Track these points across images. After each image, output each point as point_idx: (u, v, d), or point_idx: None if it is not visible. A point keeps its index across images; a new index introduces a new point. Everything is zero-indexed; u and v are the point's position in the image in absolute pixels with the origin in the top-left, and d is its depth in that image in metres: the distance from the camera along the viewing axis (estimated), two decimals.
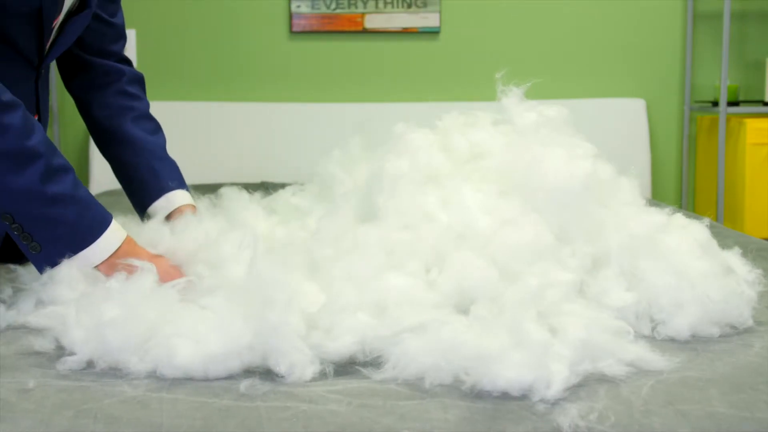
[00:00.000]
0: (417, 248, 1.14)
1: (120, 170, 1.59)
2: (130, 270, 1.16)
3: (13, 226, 1.17)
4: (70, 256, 1.18)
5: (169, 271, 1.22)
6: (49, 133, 3.33)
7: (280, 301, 0.97)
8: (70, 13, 1.40)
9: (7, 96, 1.17)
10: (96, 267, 1.21)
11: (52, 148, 1.19)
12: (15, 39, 1.32)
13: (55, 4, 1.33)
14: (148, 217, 1.49)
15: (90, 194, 1.23)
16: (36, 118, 1.44)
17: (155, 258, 1.24)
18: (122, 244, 1.22)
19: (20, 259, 1.44)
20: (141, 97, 1.62)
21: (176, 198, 1.53)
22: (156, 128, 1.61)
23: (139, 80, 1.63)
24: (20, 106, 1.18)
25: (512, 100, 1.29)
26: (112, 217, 1.23)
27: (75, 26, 1.42)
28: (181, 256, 1.28)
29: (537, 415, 0.84)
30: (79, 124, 3.42)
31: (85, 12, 1.41)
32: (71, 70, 1.59)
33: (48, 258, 1.18)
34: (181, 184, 1.55)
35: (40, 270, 1.20)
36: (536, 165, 1.18)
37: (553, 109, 1.28)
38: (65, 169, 1.19)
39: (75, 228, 1.18)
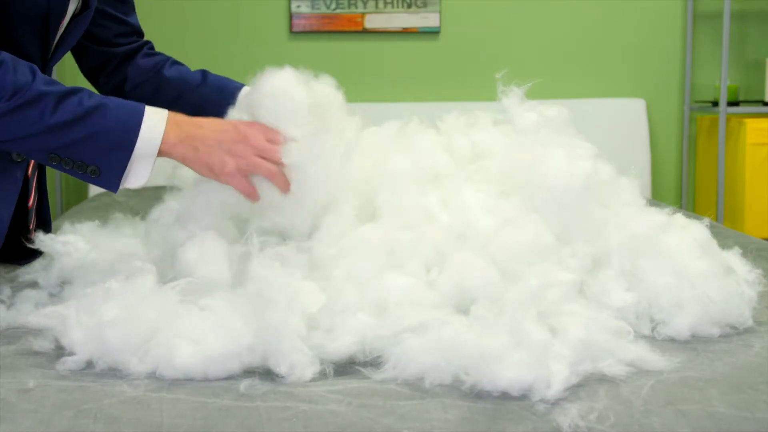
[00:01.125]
0: (417, 248, 1.14)
1: (183, 113, 1.61)
2: (201, 139, 1.14)
3: (64, 161, 1.16)
4: (126, 161, 1.15)
5: (259, 130, 1.16)
6: None
7: (280, 302, 0.97)
8: (73, 15, 1.40)
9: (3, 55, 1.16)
10: (162, 153, 1.17)
11: (53, 82, 1.17)
12: (19, 42, 1.32)
13: (62, 7, 1.33)
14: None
15: (112, 98, 1.20)
16: None
17: (226, 122, 1.19)
18: (168, 118, 1.18)
19: (20, 260, 1.44)
20: (163, 53, 1.65)
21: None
22: (188, 68, 1.63)
23: (150, 45, 1.66)
24: (5, 62, 1.16)
25: (513, 100, 1.29)
26: (144, 106, 1.19)
27: (77, 28, 1.42)
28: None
29: (537, 415, 0.84)
30: None
31: (86, 13, 1.42)
32: (97, 71, 1.60)
33: (111, 173, 1.16)
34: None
35: (114, 188, 1.17)
36: (537, 165, 1.18)
37: (554, 110, 1.28)
38: (73, 91, 1.17)
39: (113, 133, 1.15)
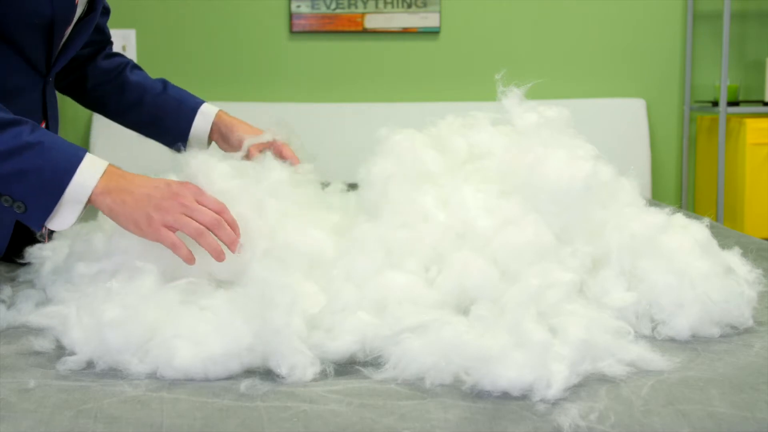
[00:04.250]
0: (416, 247, 1.14)
1: (141, 119, 1.61)
2: (130, 193, 1.12)
3: None
4: (54, 204, 1.13)
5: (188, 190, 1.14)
6: None
7: (281, 303, 0.97)
8: (78, 19, 1.40)
9: None
10: (91, 201, 1.14)
11: None
12: (24, 48, 1.31)
13: (69, 14, 1.33)
14: (192, 144, 1.52)
15: (55, 136, 1.16)
16: (43, 125, 1.44)
17: (158, 180, 1.17)
18: (106, 169, 1.15)
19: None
20: (123, 54, 1.66)
21: (208, 109, 1.57)
22: (147, 74, 1.65)
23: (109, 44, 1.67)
24: None
25: (512, 100, 1.29)
26: (86, 152, 1.16)
27: (82, 32, 1.42)
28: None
29: (537, 415, 0.84)
30: (79, 124, 3.43)
31: (92, 15, 1.42)
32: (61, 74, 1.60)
33: (36, 212, 1.13)
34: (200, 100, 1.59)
35: (37, 226, 1.15)
36: (537, 166, 1.18)
37: (554, 110, 1.28)
38: (14, 122, 1.14)
39: (46, 172, 1.12)
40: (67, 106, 3.33)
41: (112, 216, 1.15)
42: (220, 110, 1.57)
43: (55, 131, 1.48)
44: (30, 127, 1.14)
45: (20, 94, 1.26)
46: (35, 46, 1.33)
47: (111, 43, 1.66)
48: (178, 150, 1.31)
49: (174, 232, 1.12)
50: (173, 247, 1.11)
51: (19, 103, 1.30)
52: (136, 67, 1.64)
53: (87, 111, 3.35)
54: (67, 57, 1.43)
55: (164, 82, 1.61)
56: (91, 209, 1.18)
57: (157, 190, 1.14)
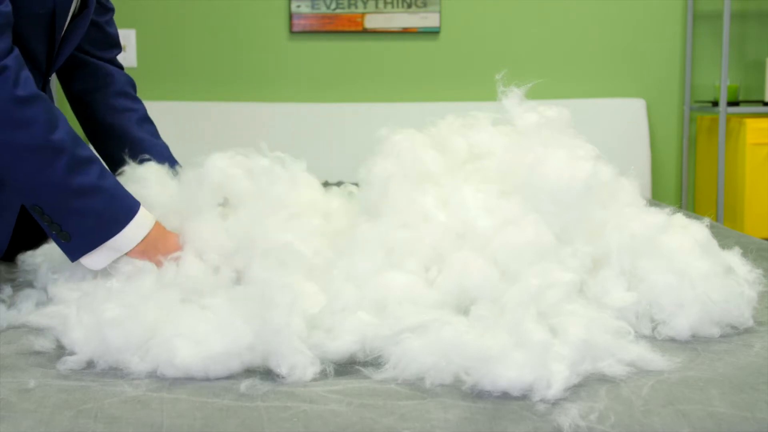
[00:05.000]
0: (416, 247, 1.14)
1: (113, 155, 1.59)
2: (160, 261, 1.20)
3: (44, 217, 1.18)
4: (96, 246, 1.20)
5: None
6: None
7: (281, 303, 0.97)
8: (73, 16, 1.41)
9: (29, 89, 1.17)
10: (127, 254, 1.22)
11: (77, 140, 1.19)
12: (28, 42, 1.32)
13: (67, 4, 1.34)
14: None
15: (118, 183, 1.24)
16: None
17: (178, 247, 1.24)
18: (151, 230, 1.23)
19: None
20: (139, 100, 1.65)
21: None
22: (156, 132, 1.63)
23: (133, 85, 1.66)
24: (43, 99, 1.18)
25: (513, 101, 1.29)
26: (139, 205, 1.24)
27: (78, 28, 1.42)
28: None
29: (537, 415, 0.84)
30: (78, 125, 3.43)
31: (86, 12, 1.42)
32: (71, 72, 1.60)
33: (78, 247, 1.20)
34: None
35: (72, 258, 1.21)
36: (538, 166, 1.18)
37: (554, 110, 1.28)
38: (90, 160, 1.20)
39: (102, 218, 1.19)
40: (67, 107, 3.33)
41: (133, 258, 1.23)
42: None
43: None
44: (100, 169, 1.21)
45: None
46: (38, 39, 1.34)
47: (124, 75, 1.64)
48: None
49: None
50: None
51: None
52: (145, 120, 1.62)
53: None
54: (65, 54, 1.43)
55: (166, 147, 1.60)
56: None
57: (175, 252, 1.23)
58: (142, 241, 1.22)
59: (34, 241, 1.42)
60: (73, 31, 1.42)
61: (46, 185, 1.16)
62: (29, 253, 1.37)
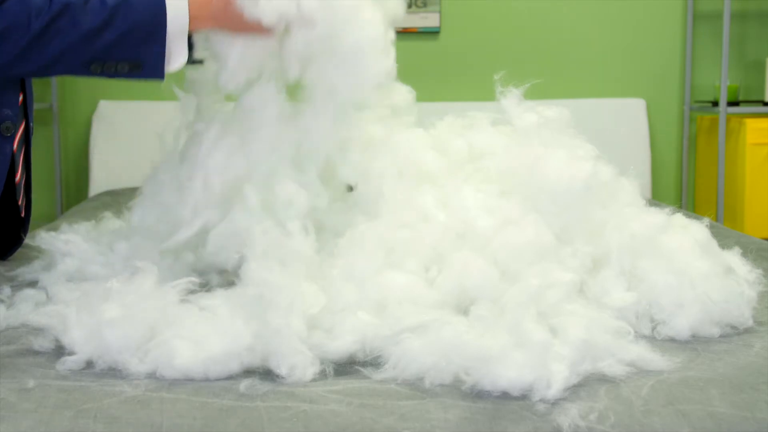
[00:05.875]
0: (416, 247, 1.14)
1: None
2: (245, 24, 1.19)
3: (106, 66, 1.19)
4: (164, 46, 1.19)
5: None
6: (48, 134, 3.34)
7: (281, 303, 0.97)
8: None
9: None
10: (194, 14, 1.20)
11: None
12: None
13: None
14: None
15: None
16: (24, 122, 1.44)
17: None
18: None
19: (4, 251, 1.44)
20: None
21: None
22: None
23: None
24: None
25: (511, 101, 1.29)
26: None
27: None
28: None
29: (537, 415, 0.84)
30: (79, 124, 3.42)
31: None
32: None
33: (153, 64, 1.20)
34: None
35: (161, 74, 1.21)
36: (537, 166, 1.18)
37: (554, 110, 1.28)
38: None
39: (142, 21, 1.19)
40: (67, 107, 3.33)
41: (219, 22, 1.22)
42: None
43: (31, 129, 1.48)
44: None
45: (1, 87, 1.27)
46: None
47: None
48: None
49: None
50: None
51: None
52: None
53: (87, 111, 3.35)
54: None
55: None
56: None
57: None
58: (190, 8, 1.20)
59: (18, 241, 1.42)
60: None
61: (82, 40, 1.17)
62: (51, 233, 1.37)
